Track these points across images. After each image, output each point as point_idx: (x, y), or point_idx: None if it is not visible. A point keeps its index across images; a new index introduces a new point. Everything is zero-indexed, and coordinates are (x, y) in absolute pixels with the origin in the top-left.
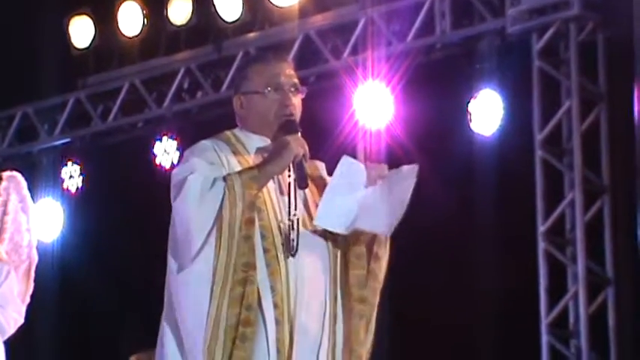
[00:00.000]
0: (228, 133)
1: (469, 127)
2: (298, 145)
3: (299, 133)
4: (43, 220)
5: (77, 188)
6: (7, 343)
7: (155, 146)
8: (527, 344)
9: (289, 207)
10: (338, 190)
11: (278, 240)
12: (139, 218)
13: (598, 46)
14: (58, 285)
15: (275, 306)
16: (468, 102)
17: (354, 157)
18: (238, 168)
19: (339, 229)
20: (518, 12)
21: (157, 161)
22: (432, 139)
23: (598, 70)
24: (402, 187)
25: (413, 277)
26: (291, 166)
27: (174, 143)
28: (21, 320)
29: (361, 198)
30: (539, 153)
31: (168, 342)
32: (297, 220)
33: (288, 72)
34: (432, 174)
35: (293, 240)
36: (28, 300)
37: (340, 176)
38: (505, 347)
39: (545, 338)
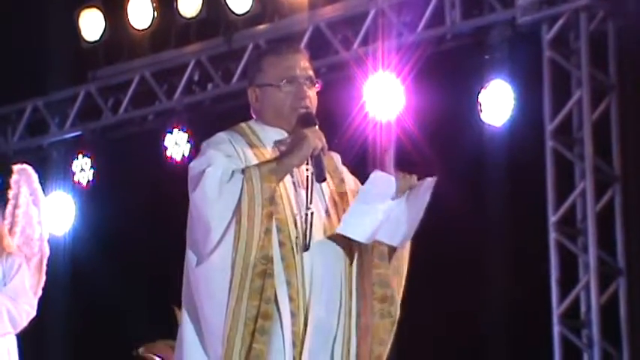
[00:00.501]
0: (243, 125)
1: (480, 117)
2: (317, 137)
3: (317, 126)
4: (55, 213)
5: (88, 181)
6: (20, 336)
7: (166, 139)
8: (539, 334)
9: (306, 200)
10: (366, 202)
11: (293, 234)
12: (149, 211)
13: (608, 35)
14: (69, 278)
15: (290, 299)
16: (479, 92)
17: (365, 148)
18: (255, 160)
19: (361, 238)
20: (528, 2)
21: (168, 154)
22: (442, 129)
23: (608, 60)
24: (420, 201)
25: (424, 268)
26: (309, 159)
27: (185, 136)
28: (33, 313)
29: (387, 209)
30: (549, 143)
31: (187, 331)
32: (312, 214)
33: (302, 64)
34: (442, 164)
35: (307, 234)
36: (40, 293)
37: (370, 190)
38: (517, 337)
39: (556, 328)
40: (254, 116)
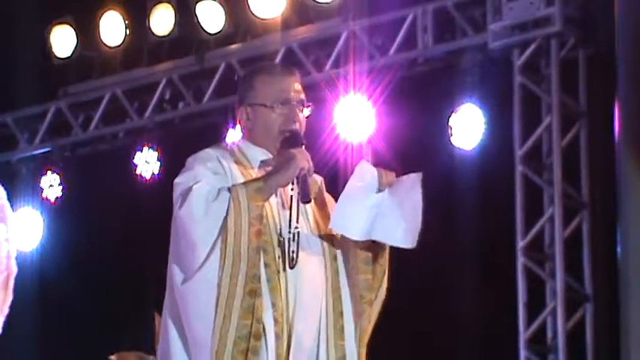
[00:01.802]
0: (230, 142)
1: (450, 141)
2: (304, 158)
3: (304, 147)
4: (23, 229)
5: (57, 198)
6: None
7: (136, 156)
8: (505, 358)
9: (290, 220)
10: (352, 194)
11: (278, 254)
12: (118, 228)
13: (579, 62)
14: (37, 294)
15: (275, 321)
16: (449, 116)
17: (335, 170)
18: (241, 179)
19: (354, 235)
20: (499, 27)
21: (138, 171)
22: (413, 152)
23: (579, 86)
24: (412, 199)
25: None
26: (294, 179)
27: (155, 154)
28: None
29: (374, 205)
30: (519, 168)
31: (174, 342)
32: (298, 233)
33: (296, 87)
34: None
35: (293, 252)
36: (6, 311)
37: (355, 180)
38: None
39: (523, 353)
40: (242, 134)
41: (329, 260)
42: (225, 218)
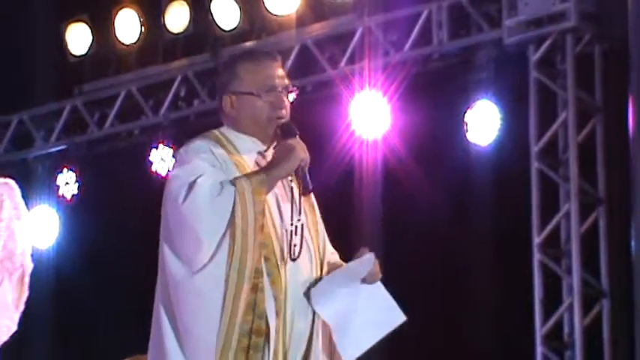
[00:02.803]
0: (216, 132)
1: (465, 137)
2: (302, 149)
3: (297, 136)
4: (39, 227)
5: (73, 195)
6: (1, 351)
7: (151, 154)
8: (521, 356)
9: (292, 212)
10: (345, 279)
11: (277, 248)
12: (134, 225)
13: (595, 57)
14: (52, 292)
15: (277, 315)
16: (465, 112)
17: (351, 167)
18: (236, 170)
19: (329, 319)
20: (515, 23)
21: (153, 169)
22: (428, 149)
23: (594, 81)
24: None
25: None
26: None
27: (170, 151)
28: (14, 327)
29: (348, 295)
30: (535, 164)
31: (169, 339)
32: (302, 225)
33: (280, 72)
34: (428, 183)
35: (295, 245)
36: (22, 307)
37: (355, 268)
38: (500, 357)
39: (539, 350)
40: (226, 123)
41: (317, 254)
42: (232, 214)
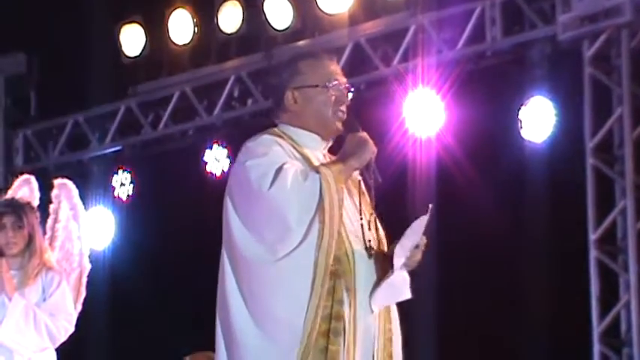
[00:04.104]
0: (276, 129)
1: (520, 134)
2: (372, 142)
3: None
4: (95, 228)
5: (128, 196)
6: (59, 351)
7: (205, 154)
8: (578, 353)
9: (360, 206)
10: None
11: (347, 239)
12: (189, 226)
13: None
14: (109, 293)
15: (349, 305)
16: (519, 109)
17: (404, 165)
18: (303, 161)
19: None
20: (569, 18)
21: (208, 169)
22: (482, 146)
23: None
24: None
25: (463, 284)
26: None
27: (224, 151)
28: (71, 329)
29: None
30: (590, 160)
31: (242, 324)
32: (375, 219)
33: (339, 70)
34: (482, 181)
35: (370, 241)
36: (79, 308)
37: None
38: (556, 356)
39: (597, 347)
40: (287, 120)
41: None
42: (320, 199)
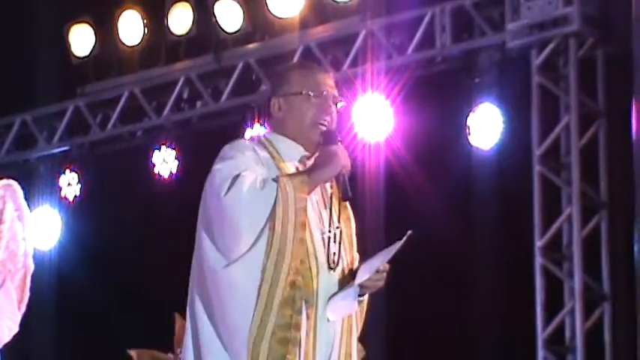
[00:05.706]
0: (262, 137)
1: (468, 140)
2: (344, 155)
3: (339, 143)
4: (41, 227)
5: (75, 196)
6: (3, 351)
7: (154, 155)
8: (523, 359)
9: (330, 219)
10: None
11: (312, 252)
12: (136, 226)
13: (597, 62)
14: (55, 293)
15: (307, 317)
16: (467, 115)
17: (353, 170)
18: (277, 171)
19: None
20: (518, 27)
21: (156, 170)
22: (430, 152)
23: (597, 85)
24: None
25: (409, 290)
26: (333, 177)
27: (172, 152)
28: (15, 329)
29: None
30: (537, 167)
31: (206, 331)
32: (341, 232)
33: (330, 82)
34: (430, 186)
35: (334, 254)
36: (23, 309)
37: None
38: None
39: (541, 353)
40: (272, 128)
41: (349, 266)
42: (273, 207)
